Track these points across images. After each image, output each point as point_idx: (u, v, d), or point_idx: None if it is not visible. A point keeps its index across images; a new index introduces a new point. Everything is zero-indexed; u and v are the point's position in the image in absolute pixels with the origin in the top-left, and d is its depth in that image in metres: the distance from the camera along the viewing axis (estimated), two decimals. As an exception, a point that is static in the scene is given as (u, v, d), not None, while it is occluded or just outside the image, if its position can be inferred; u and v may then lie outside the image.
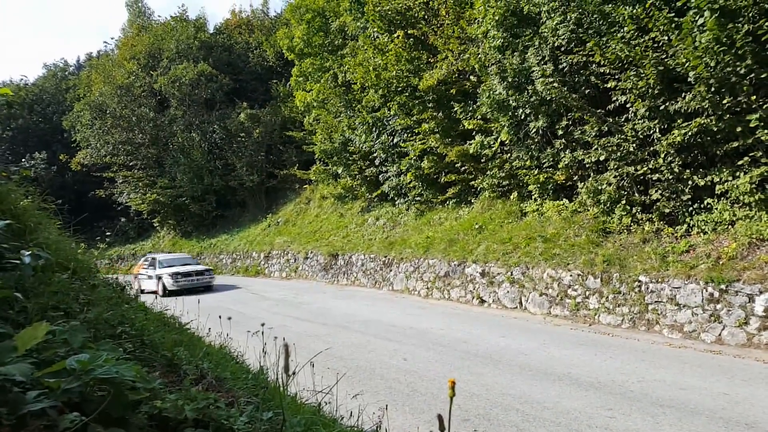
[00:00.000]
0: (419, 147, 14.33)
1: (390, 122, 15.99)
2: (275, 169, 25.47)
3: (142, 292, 15.40)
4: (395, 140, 15.87)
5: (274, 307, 11.98)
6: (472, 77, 12.92)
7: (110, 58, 33.61)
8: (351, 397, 3.72)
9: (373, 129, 16.66)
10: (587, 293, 8.74)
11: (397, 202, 16.83)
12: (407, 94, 14.54)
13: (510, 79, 10.58)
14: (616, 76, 8.74)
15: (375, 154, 16.89)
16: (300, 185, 24.33)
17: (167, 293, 15.08)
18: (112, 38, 73.82)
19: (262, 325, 3.82)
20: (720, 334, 6.84)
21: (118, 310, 2.81)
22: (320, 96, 19.78)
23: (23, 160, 27.39)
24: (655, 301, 7.74)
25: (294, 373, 1.89)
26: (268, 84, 27.88)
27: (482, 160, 12.74)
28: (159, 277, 15.93)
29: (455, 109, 12.92)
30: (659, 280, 7.78)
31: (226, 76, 27.56)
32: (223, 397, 2.04)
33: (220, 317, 4.69)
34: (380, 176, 17.16)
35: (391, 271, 13.94)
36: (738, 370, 5.66)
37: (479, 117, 12.39)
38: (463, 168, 13.48)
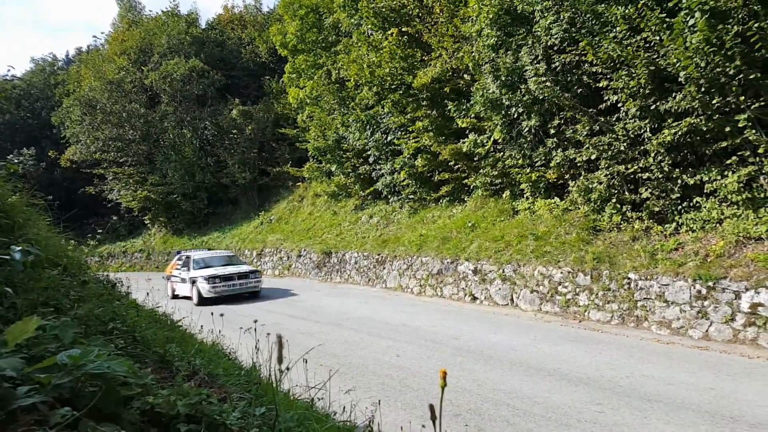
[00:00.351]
0: (413, 145, 14.33)
1: (384, 120, 15.96)
2: (268, 167, 25.28)
3: (175, 297, 13.71)
4: (389, 138, 15.85)
5: (267, 305, 11.95)
6: (465, 76, 12.94)
7: (100, 53, 33.17)
8: (344, 392, 3.73)
9: (367, 127, 16.62)
10: (577, 290, 8.83)
11: (390, 200, 16.82)
12: (401, 91, 14.53)
13: (503, 78, 10.62)
14: (608, 76, 8.81)
15: (369, 152, 16.85)
16: (293, 183, 24.20)
17: (204, 301, 12.44)
18: (102, 33, 72.86)
19: (255, 322, 3.82)
20: (707, 331, 6.96)
21: (109, 307, 2.80)
22: (314, 93, 19.68)
23: (10, 155, 26.92)
24: (644, 298, 7.85)
25: (287, 369, 1.90)
26: (261, 80, 27.65)
27: (475, 159, 12.78)
28: (193, 281, 13.02)
29: (449, 107, 12.93)
30: (648, 277, 7.88)
31: (218, 72, 27.28)
32: (215, 393, 2.04)
33: (212, 314, 4.68)
34: (374, 174, 17.13)
35: (384, 268, 13.95)
36: (724, 365, 5.76)
37: (473, 116, 12.42)
38: (457, 166, 13.51)
